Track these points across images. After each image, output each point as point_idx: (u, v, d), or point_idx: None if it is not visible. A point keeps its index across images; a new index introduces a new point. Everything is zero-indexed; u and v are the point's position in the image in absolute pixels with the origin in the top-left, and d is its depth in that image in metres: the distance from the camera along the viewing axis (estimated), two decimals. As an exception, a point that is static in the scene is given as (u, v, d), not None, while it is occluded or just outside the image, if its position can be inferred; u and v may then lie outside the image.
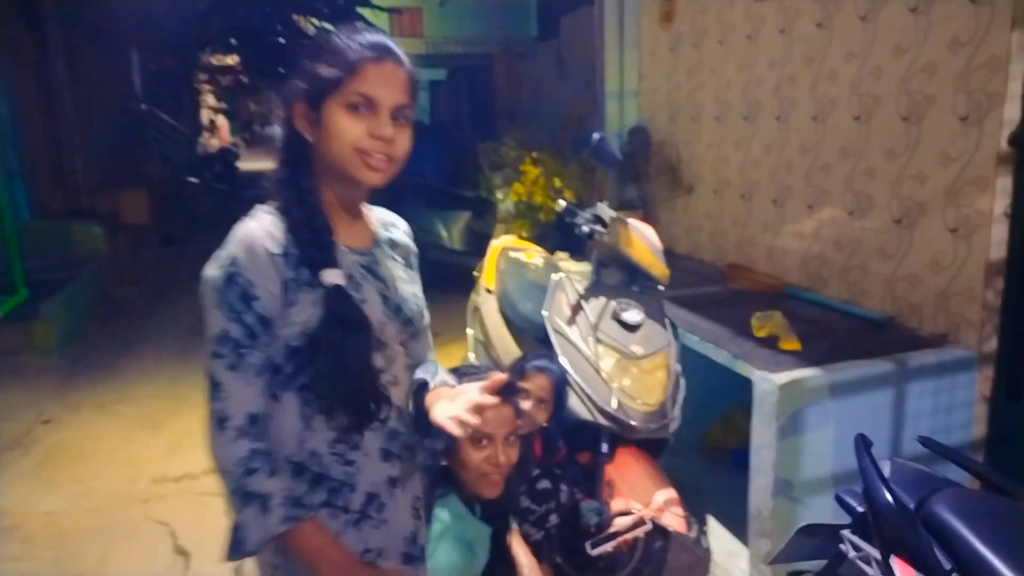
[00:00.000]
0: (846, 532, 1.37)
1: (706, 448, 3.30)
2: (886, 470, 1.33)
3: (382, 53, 1.14)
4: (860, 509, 1.37)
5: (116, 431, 3.88)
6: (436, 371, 1.31)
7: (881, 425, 2.34)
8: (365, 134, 1.12)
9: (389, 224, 1.35)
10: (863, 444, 1.37)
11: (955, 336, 2.46)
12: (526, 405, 2.13)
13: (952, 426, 2.40)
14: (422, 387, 1.24)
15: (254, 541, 1.11)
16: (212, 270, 1.13)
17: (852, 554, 1.32)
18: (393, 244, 1.31)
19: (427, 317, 1.33)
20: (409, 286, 1.29)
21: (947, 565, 1.14)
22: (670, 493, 2.35)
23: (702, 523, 2.84)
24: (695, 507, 2.82)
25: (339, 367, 1.12)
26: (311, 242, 1.14)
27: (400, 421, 1.26)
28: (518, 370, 2.24)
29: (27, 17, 7.12)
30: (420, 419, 1.22)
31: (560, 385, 2.26)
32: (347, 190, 1.20)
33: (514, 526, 2.00)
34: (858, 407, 2.31)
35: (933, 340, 2.50)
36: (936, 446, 1.48)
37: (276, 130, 1.21)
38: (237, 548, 1.12)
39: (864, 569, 1.30)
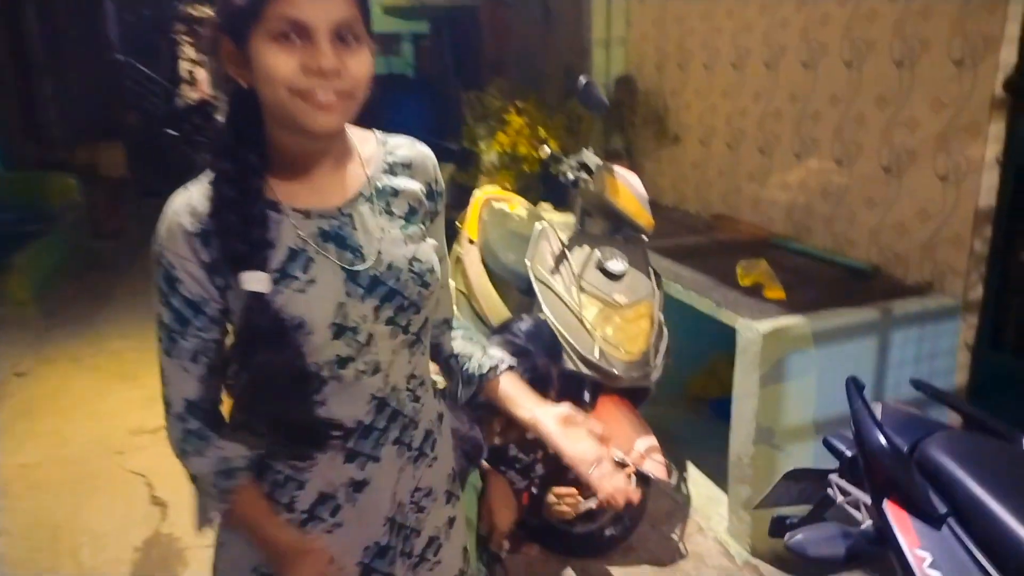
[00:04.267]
0: (834, 476, 1.34)
1: (686, 397, 3.30)
2: (877, 413, 1.30)
3: None
4: (849, 453, 1.34)
5: (92, 383, 3.82)
6: (485, 350, 1.22)
7: (864, 372, 2.33)
8: (299, 70, 0.91)
9: (398, 165, 1.11)
10: (855, 386, 1.33)
11: (940, 285, 2.44)
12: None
13: (935, 373, 2.39)
14: (487, 373, 1.19)
15: (207, 517, 1.08)
16: (152, 248, 1.00)
17: (840, 499, 1.29)
18: (393, 192, 1.08)
19: (436, 278, 1.11)
20: (402, 247, 1.06)
21: (942, 509, 1.11)
22: (651, 441, 2.34)
23: (682, 471, 2.85)
24: (675, 455, 2.82)
25: (258, 391, 0.99)
26: (233, 230, 0.96)
27: (379, 415, 1.08)
28: (507, 334, 2.20)
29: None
30: (481, 405, 1.18)
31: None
32: (301, 141, 0.98)
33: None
34: (841, 355, 2.30)
35: (918, 289, 2.48)
36: (929, 389, 1.46)
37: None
38: (199, 521, 1.10)
39: (852, 513, 1.28)
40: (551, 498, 2.15)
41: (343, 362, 1.02)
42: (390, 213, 1.07)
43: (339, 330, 1.00)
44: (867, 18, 2.61)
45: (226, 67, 0.96)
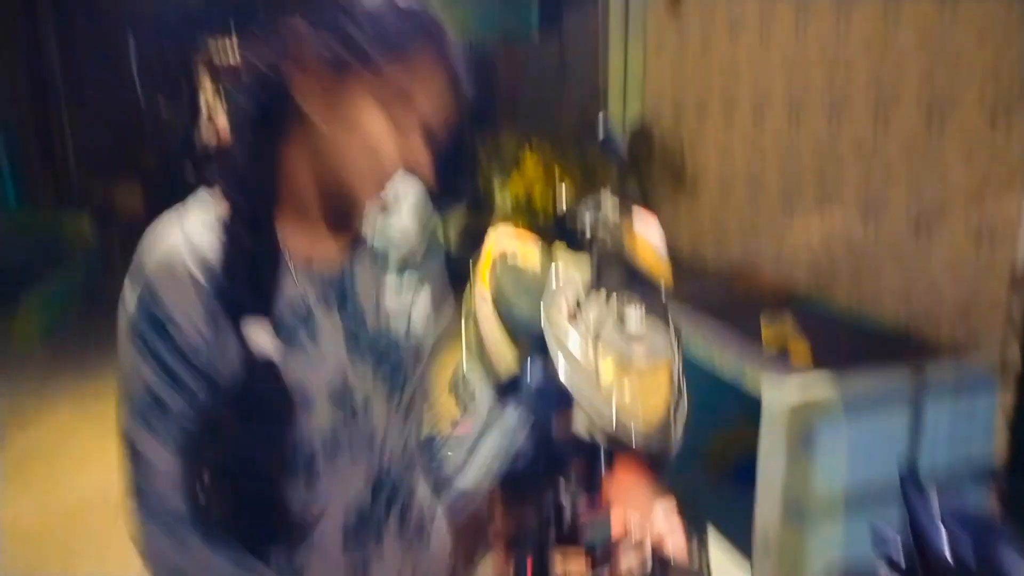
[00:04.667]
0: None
1: (707, 460, 3.15)
2: (934, 506, 1.15)
3: (441, 42, 0.84)
4: (900, 550, 1.20)
5: (95, 432, 3.73)
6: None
7: (897, 441, 2.19)
8: (392, 144, 0.84)
9: (391, 204, 1.01)
10: (912, 482, 1.19)
11: (975, 348, 2.31)
12: None
13: (971, 443, 2.25)
14: None
15: None
16: (126, 293, 0.85)
17: None
18: (387, 239, 0.99)
19: (432, 334, 1.01)
20: (399, 302, 0.97)
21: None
22: (671, 513, 2.21)
23: (702, 537, 2.70)
24: (695, 522, 2.68)
25: (244, 466, 0.85)
26: (243, 278, 0.84)
27: (378, 493, 0.96)
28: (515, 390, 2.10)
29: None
30: None
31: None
32: (333, 200, 0.89)
33: None
34: (874, 422, 2.17)
35: (951, 353, 2.35)
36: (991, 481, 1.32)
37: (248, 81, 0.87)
38: None
39: None
40: (559, 569, 2.02)
41: (338, 433, 0.90)
42: (386, 263, 0.98)
43: (338, 398, 0.89)
44: (894, 68, 2.52)
45: (298, 84, 0.82)
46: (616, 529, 2.10)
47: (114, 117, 9.48)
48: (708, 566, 2.61)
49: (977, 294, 2.30)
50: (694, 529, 2.63)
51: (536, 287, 2.83)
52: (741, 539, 2.47)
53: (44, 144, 7.39)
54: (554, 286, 2.50)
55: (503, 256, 3.13)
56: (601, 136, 2.41)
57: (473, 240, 4.54)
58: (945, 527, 1.09)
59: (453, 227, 5.14)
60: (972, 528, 1.11)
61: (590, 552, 2.08)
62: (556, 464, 2.10)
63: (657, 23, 3.96)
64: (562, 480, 2.11)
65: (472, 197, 4.69)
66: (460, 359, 3.23)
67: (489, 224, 4.28)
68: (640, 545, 2.00)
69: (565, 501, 2.10)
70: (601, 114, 3.30)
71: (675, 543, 2.13)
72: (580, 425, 2.20)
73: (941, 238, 2.40)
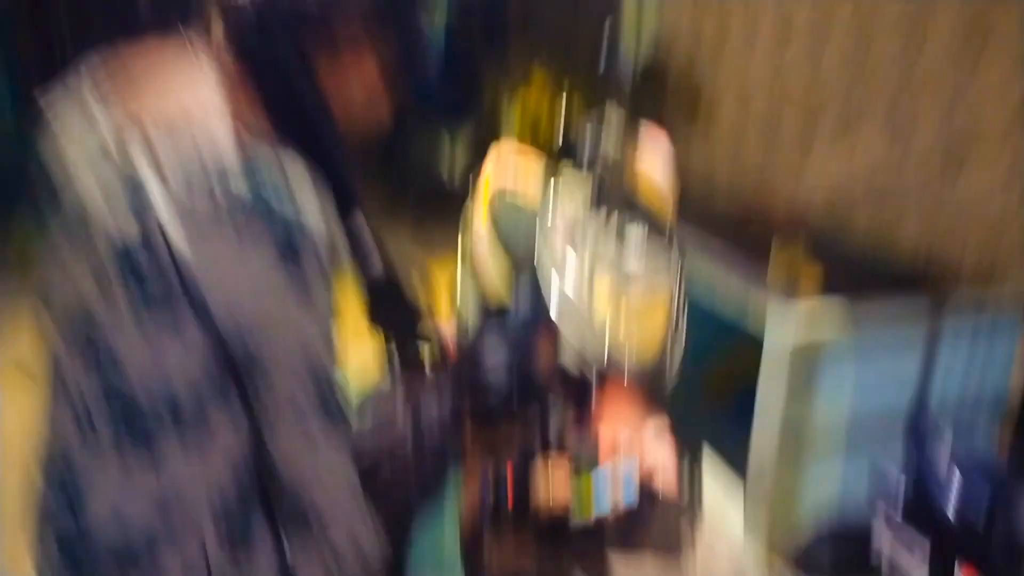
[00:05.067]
0: (880, 525, 1.11)
1: (705, 390, 3.06)
2: (944, 453, 1.05)
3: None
4: (902, 493, 1.10)
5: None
6: None
7: (908, 372, 2.10)
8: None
9: None
10: (924, 426, 1.09)
11: (1002, 276, 2.17)
12: None
13: (986, 382, 2.15)
14: None
15: None
16: None
17: (888, 550, 1.06)
18: None
19: None
20: None
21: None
22: (663, 431, 2.14)
23: (696, 454, 2.63)
24: (689, 440, 2.59)
25: None
26: None
27: None
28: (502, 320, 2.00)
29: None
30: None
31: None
32: None
33: None
34: (884, 355, 2.07)
35: (975, 280, 2.21)
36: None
37: None
38: None
39: (902, 566, 1.05)
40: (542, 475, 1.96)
41: None
42: None
43: None
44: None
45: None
46: (604, 445, 2.04)
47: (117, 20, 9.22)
48: (700, 490, 2.56)
49: (1007, 220, 2.15)
50: (687, 449, 2.56)
51: (535, 217, 2.71)
52: (736, 459, 2.40)
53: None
54: (551, 207, 2.37)
55: (502, 193, 3.00)
56: (604, 53, 2.25)
57: (478, 154, 4.39)
58: (960, 474, 1.00)
59: (460, 142, 4.97)
60: (983, 477, 1.01)
61: (575, 464, 2.01)
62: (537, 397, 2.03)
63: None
64: (549, 396, 2.05)
65: (479, 112, 4.52)
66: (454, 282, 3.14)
67: (495, 139, 4.13)
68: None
69: (551, 411, 2.02)
70: (608, 24, 3.10)
71: (665, 463, 2.06)
72: (568, 359, 2.11)
73: (972, 162, 2.24)
